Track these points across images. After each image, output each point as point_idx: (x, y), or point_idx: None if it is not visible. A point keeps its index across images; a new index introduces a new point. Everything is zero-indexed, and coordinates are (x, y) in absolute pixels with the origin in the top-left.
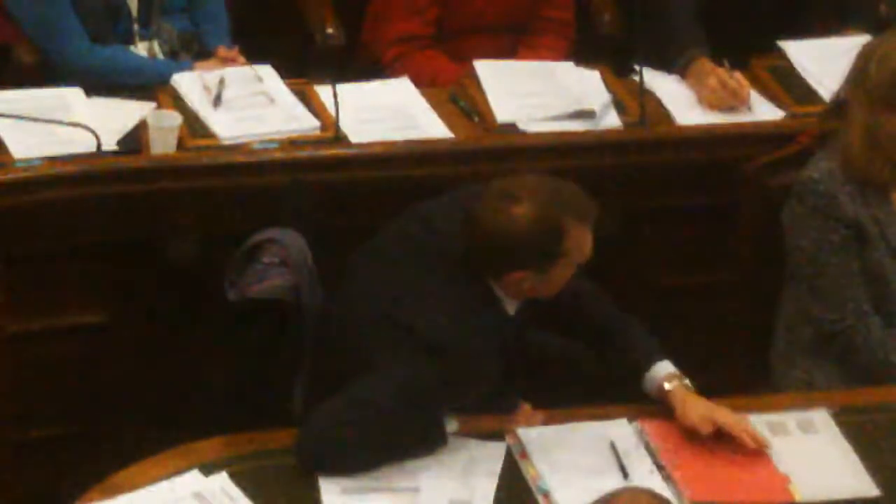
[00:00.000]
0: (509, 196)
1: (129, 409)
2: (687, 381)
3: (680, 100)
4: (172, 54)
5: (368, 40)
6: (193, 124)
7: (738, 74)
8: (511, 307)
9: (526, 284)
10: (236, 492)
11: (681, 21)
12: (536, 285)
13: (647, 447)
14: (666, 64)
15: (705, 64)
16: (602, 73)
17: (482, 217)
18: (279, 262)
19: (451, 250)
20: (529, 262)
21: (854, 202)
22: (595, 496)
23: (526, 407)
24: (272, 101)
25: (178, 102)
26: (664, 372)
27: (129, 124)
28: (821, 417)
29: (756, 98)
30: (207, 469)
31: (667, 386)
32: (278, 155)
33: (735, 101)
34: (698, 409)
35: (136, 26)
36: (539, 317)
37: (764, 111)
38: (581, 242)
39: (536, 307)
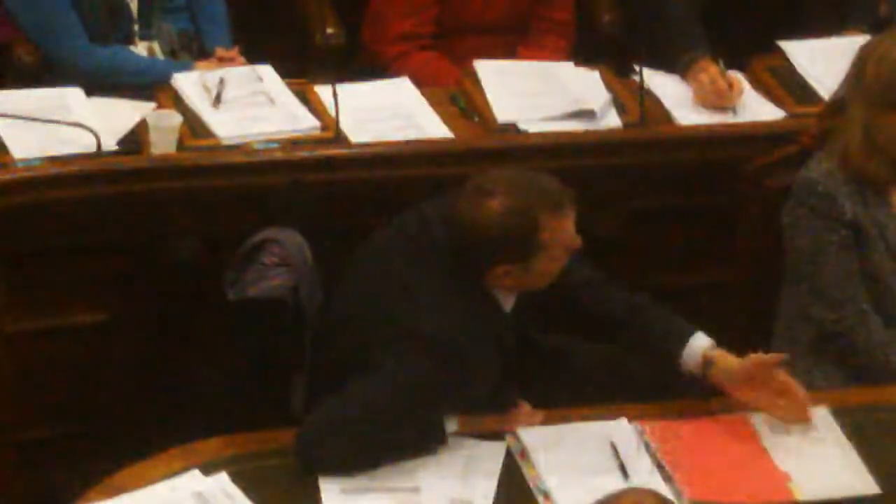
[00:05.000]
0: (483, 191)
1: (129, 409)
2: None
3: (680, 100)
4: (172, 54)
5: (368, 40)
6: (193, 124)
7: (733, 76)
8: (507, 304)
9: (511, 279)
10: (236, 492)
11: (681, 22)
12: (524, 279)
13: (647, 447)
14: (666, 64)
15: (704, 65)
16: (602, 73)
17: (459, 213)
18: (279, 262)
19: (447, 249)
20: (508, 256)
21: (853, 202)
22: (595, 496)
23: (526, 407)
24: (272, 101)
25: (178, 102)
26: (703, 343)
27: (129, 124)
28: (821, 416)
29: (756, 98)
30: (207, 469)
31: (710, 354)
32: (278, 155)
33: (721, 102)
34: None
35: (136, 26)
36: (539, 316)
37: (764, 111)
38: (560, 233)
39: (538, 303)
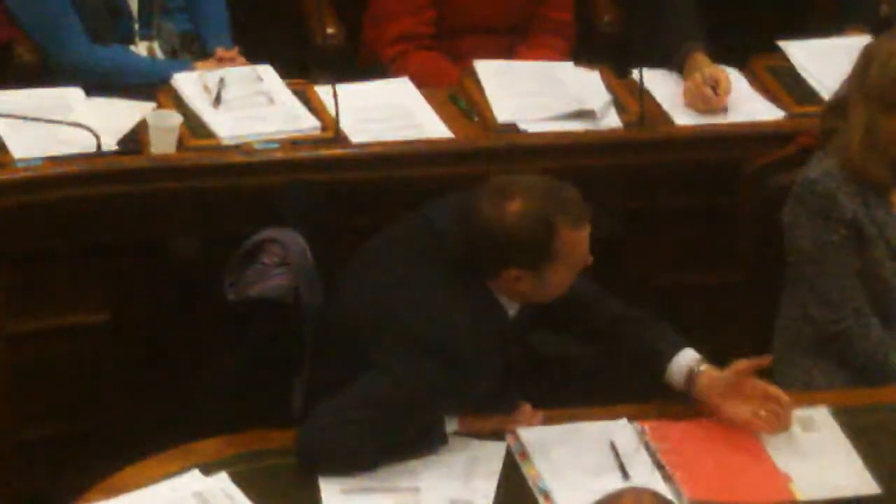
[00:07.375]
0: (503, 192)
1: (129, 409)
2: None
3: (679, 100)
4: (172, 54)
5: (368, 40)
6: (193, 124)
7: (719, 72)
8: (511, 309)
9: (521, 285)
10: (236, 492)
11: (680, 16)
12: (533, 287)
13: (647, 447)
14: (665, 60)
15: (699, 59)
16: (602, 73)
17: (476, 212)
18: (279, 262)
19: (451, 251)
20: (520, 260)
21: (853, 203)
22: (595, 496)
23: (526, 407)
24: (272, 101)
25: (178, 102)
26: (690, 359)
27: (129, 124)
28: (821, 416)
29: (756, 98)
30: (207, 469)
31: (696, 370)
32: (278, 155)
33: (709, 107)
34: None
35: (136, 26)
36: (540, 317)
37: (764, 111)
38: (574, 246)
39: (539, 309)
